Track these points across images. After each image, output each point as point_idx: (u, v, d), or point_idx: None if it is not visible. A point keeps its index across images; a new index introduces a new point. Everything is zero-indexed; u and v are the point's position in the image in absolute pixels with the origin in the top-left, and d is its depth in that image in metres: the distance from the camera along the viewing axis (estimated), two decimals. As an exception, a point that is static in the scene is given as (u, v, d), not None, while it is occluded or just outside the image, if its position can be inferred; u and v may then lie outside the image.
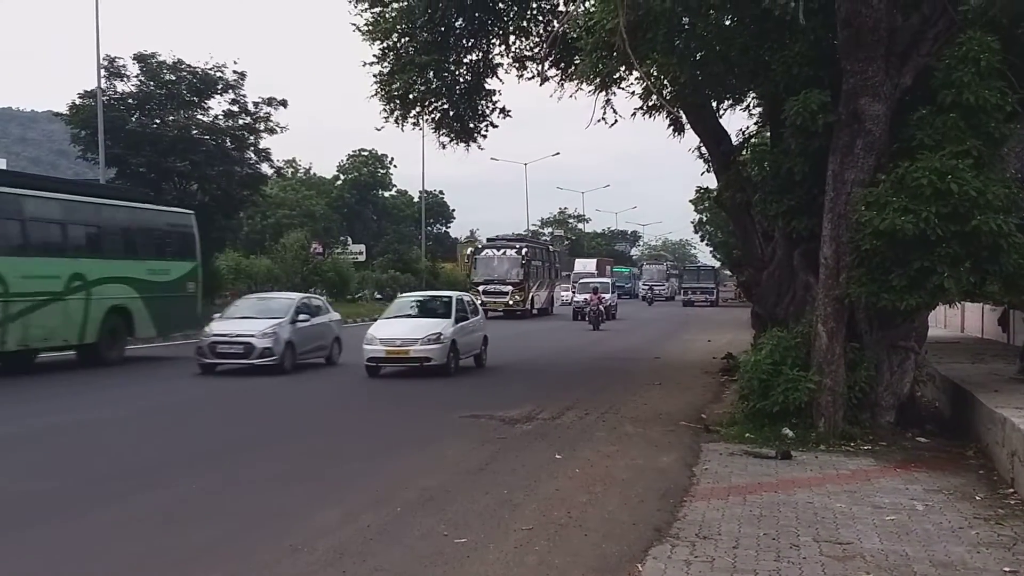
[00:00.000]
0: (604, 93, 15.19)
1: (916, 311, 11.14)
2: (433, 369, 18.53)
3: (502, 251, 45.82)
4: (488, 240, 51.37)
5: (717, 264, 78.08)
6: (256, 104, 35.03)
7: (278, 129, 35.43)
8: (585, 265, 72.61)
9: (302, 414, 14.33)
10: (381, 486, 9.20)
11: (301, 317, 19.94)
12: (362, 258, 57.45)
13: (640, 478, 9.54)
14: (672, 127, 17.30)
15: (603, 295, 38.26)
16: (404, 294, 25.27)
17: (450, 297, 20.62)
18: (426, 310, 20.08)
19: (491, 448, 11.13)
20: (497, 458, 10.54)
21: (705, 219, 64.18)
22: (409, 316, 19.90)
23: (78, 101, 32.57)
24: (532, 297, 46.14)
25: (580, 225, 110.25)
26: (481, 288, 44.15)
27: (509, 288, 44.25)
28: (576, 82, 15.86)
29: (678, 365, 21.87)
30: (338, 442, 11.81)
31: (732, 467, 9.80)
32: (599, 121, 17.06)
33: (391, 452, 11.02)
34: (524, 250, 45.67)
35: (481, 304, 42.25)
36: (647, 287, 73.84)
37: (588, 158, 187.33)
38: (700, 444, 11.20)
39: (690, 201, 59.85)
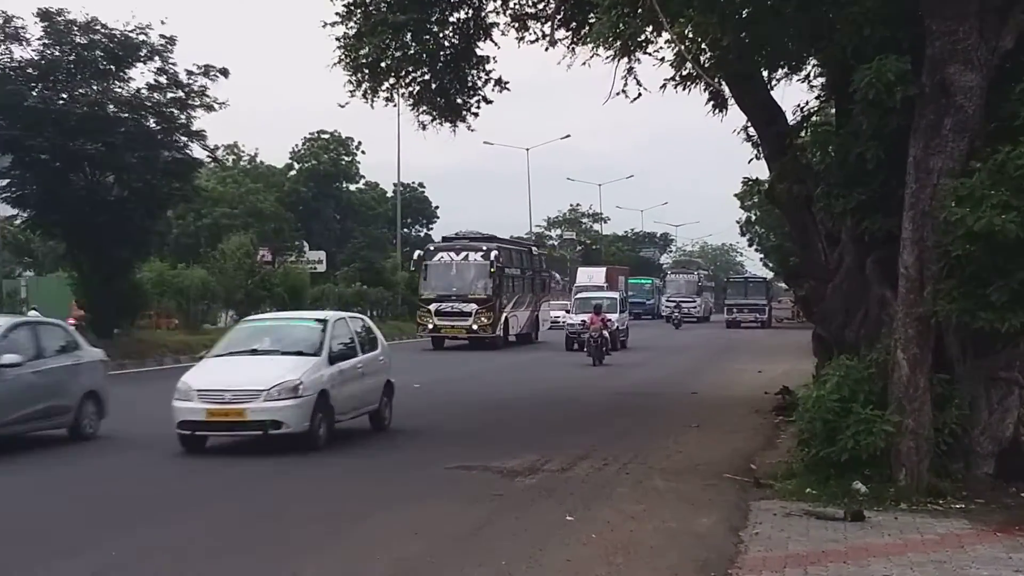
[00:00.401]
0: (626, 60, 15.24)
1: (1021, 334, 11.12)
2: (285, 440, 14.61)
3: (462, 255, 41.51)
4: (444, 240, 46.16)
5: (769, 275, 78.19)
6: (189, 73, 35.02)
7: (216, 106, 35.38)
8: (591, 276, 70.14)
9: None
10: (341, 555, 9.16)
11: (5, 360, 14.94)
12: (322, 268, 57.51)
13: (673, 545, 9.52)
14: (712, 102, 17.33)
15: (608, 316, 35.52)
16: (249, 318, 20.35)
17: (322, 321, 16.66)
18: (281, 342, 16.26)
19: (485, 507, 11.10)
20: (493, 520, 10.52)
21: (754, 218, 64.63)
22: (253, 353, 16.01)
23: (-38, 72, 32.59)
24: (506, 319, 42.26)
25: (596, 226, 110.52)
26: (433, 307, 40.53)
27: (473, 307, 40.08)
28: (591, 46, 15.80)
29: (720, 402, 21.85)
30: (257, 510, 11.66)
31: (789, 531, 9.77)
32: (619, 95, 17.05)
33: (350, 514, 10.99)
34: (494, 253, 41.33)
35: (433, 329, 40.42)
36: (672, 303, 71.46)
37: (606, 142, 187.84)
38: (749, 502, 11.17)
39: (735, 195, 60.61)
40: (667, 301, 74.18)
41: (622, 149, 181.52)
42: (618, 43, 13.37)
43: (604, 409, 20.94)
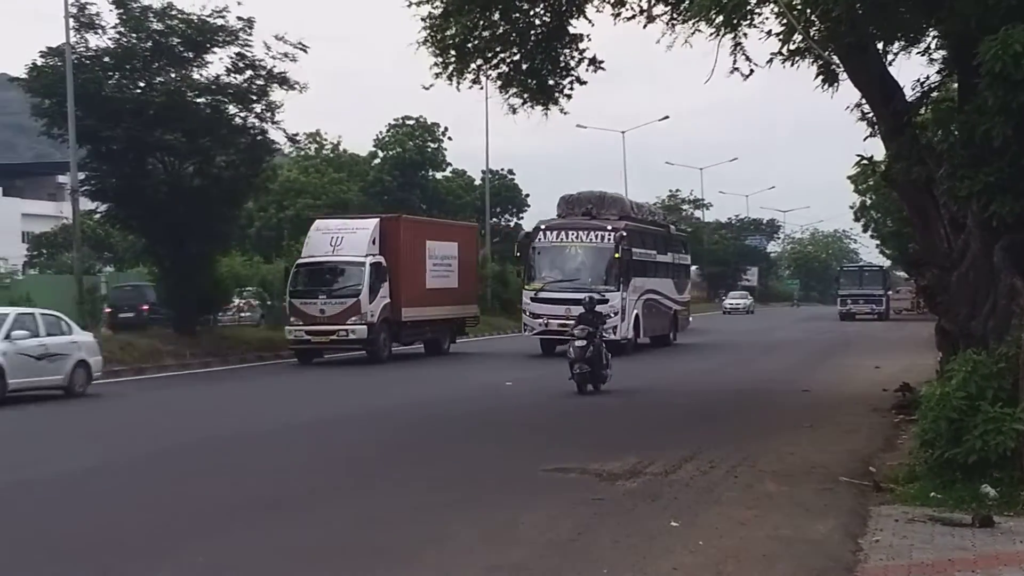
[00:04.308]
0: (731, 35, 15.13)
1: None
2: None
3: None
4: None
5: (886, 263, 77.06)
6: (267, 47, 35.35)
7: (296, 87, 35.75)
8: (337, 237, 33.25)
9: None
10: (435, 562, 9.28)
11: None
12: (409, 260, 57.79)
13: (786, 553, 9.47)
14: (822, 77, 17.11)
15: None
16: None
17: None
18: None
19: (584, 512, 11.13)
20: (592, 526, 10.55)
21: (869, 202, 63.66)
22: None
23: (40, 61, 33.43)
24: None
25: (698, 212, 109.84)
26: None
27: None
28: (692, 22, 15.78)
29: (835, 400, 21.62)
30: (363, 502, 11.93)
31: (912, 538, 9.65)
32: (732, 71, 17.05)
33: (443, 516, 11.12)
34: None
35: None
36: (546, 307, 34.22)
37: (708, 123, 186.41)
38: (868, 507, 11.06)
39: (848, 178, 59.68)
40: (532, 302, 34.84)
41: (725, 131, 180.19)
42: (721, 17, 13.29)
43: (708, 408, 20.88)
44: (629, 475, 13.20)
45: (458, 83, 20.47)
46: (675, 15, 18.90)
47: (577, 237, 34.90)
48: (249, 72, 34.70)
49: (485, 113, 53.99)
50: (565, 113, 21.84)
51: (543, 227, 35.83)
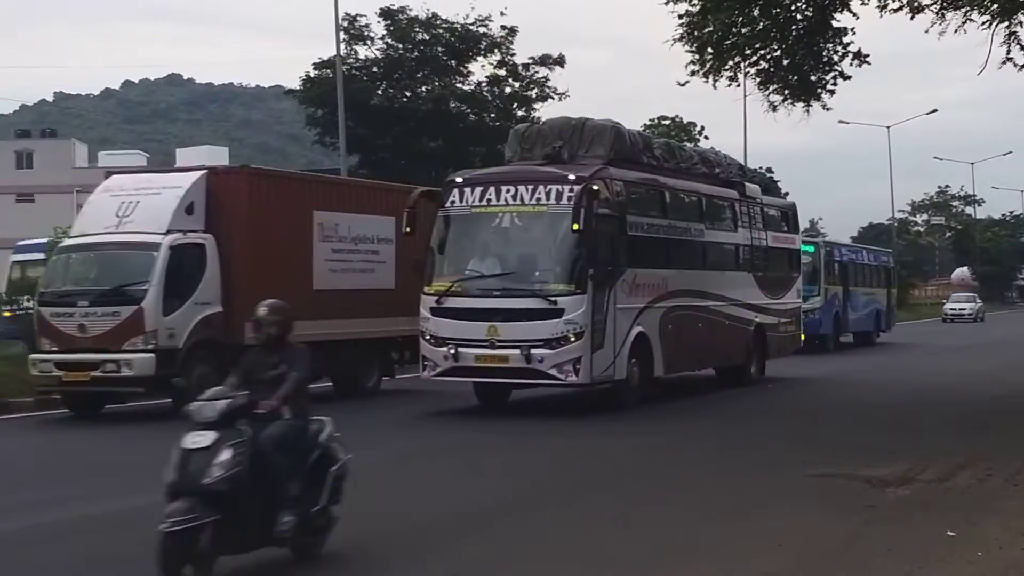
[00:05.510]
0: (1006, 23, 14.52)
1: None
2: None
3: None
4: None
5: None
6: (525, 67, 36.07)
7: (555, 96, 36.26)
8: (126, 204, 19.20)
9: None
10: (703, 567, 9.25)
11: None
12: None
13: (1075, 567, 8.99)
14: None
15: None
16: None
17: None
18: None
19: (854, 519, 10.86)
20: (863, 533, 10.30)
21: None
22: None
23: (312, 73, 35.01)
24: None
25: (969, 209, 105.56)
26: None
27: None
28: (964, 11, 15.20)
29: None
30: (624, 502, 11.93)
31: None
32: (1004, 62, 16.26)
33: (707, 520, 11.04)
34: None
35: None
36: None
37: (980, 116, 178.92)
38: None
39: None
40: (434, 316, 18.93)
41: (999, 123, 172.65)
42: (995, 5, 12.77)
43: (980, 413, 20.04)
44: (900, 482, 12.77)
45: (713, 81, 20.30)
46: (945, 4, 18.23)
47: (514, 197, 18.97)
48: (507, 84, 35.50)
49: (743, 111, 53.30)
50: (828, 109, 21.39)
51: (458, 181, 19.77)
